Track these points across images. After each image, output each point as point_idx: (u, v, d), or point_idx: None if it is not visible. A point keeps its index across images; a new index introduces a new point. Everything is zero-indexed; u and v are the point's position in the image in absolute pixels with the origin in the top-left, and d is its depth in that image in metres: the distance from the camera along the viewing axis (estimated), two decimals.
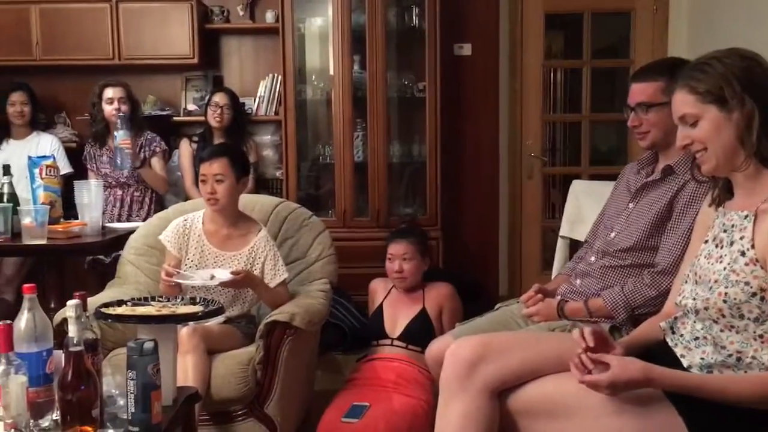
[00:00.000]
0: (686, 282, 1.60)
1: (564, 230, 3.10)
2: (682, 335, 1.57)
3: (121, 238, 3.14)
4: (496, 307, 2.48)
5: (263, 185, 4.29)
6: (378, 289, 3.14)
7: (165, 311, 1.95)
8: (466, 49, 4.50)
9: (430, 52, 4.11)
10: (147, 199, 3.94)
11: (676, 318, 1.60)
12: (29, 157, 3.22)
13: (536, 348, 1.70)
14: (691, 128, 1.55)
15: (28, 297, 1.77)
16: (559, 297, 2.12)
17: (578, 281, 2.13)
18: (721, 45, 3.08)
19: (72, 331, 1.72)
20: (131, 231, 3.14)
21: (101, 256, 3.80)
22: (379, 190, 4.18)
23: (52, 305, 3.31)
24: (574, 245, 3.13)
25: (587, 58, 4.73)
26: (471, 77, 4.52)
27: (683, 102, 1.56)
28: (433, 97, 4.15)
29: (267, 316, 2.55)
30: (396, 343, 2.91)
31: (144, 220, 3.65)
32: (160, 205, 3.96)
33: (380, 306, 3.05)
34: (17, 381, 1.64)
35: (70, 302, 1.73)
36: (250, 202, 2.99)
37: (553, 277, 3.32)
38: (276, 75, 4.32)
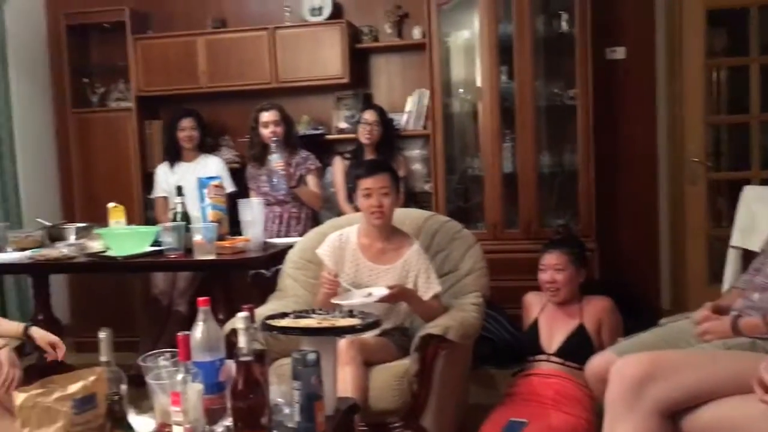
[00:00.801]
0: None
1: (735, 240, 2.88)
2: None
3: (281, 253, 3.29)
4: (660, 322, 2.34)
5: (412, 199, 4.34)
6: (532, 303, 3.07)
7: (325, 324, 2.01)
8: (620, 53, 4.33)
9: (582, 58, 3.99)
10: (303, 216, 4.10)
11: None
12: (199, 178, 3.46)
13: (711, 367, 1.59)
14: None
15: (202, 309, 1.90)
16: (734, 313, 1.96)
17: (756, 295, 1.96)
18: None
19: (242, 342, 1.81)
20: (290, 246, 3.28)
21: (263, 270, 4.01)
22: (530, 201, 4.09)
23: (221, 316, 3.53)
24: (747, 256, 2.90)
25: (755, 54, 4.39)
26: (625, 81, 4.34)
27: None
28: (585, 103, 4.01)
29: (421, 329, 2.57)
30: (553, 359, 2.83)
31: (301, 235, 3.79)
32: (315, 220, 4.11)
33: (535, 321, 2.98)
34: (194, 388, 1.76)
35: (239, 314, 1.83)
36: (401, 215, 3.03)
37: (723, 289, 3.09)
38: (423, 90, 4.37)
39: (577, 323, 2.87)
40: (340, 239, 2.76)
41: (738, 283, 2.21)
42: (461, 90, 4.33)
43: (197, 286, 4.15)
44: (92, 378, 1.37)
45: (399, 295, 2.54)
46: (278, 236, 3.94)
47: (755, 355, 1.65)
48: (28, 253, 3.39)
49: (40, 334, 2.51)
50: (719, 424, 1.50)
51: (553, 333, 2.90)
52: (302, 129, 4.46)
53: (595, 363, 2.08)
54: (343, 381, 2.33)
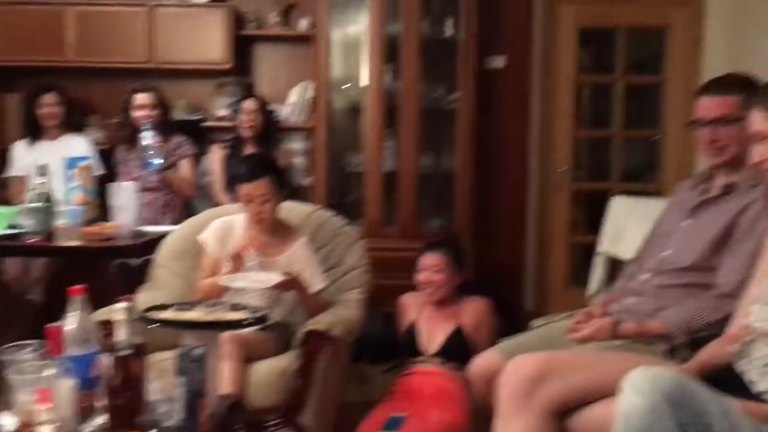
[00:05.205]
0: (755, 303, 1.56)
1: (603, 246, 3.06)
2: (752, 360, 1.52)
3: (153, 242, 3.12)
4: (533, 323, 2.44)
5: (292, 193, 4.25)
6: (410, 303, 3.10)
7: (212, 317, 1.91)
8: (499, 62, 4.47)
9: (464, 64, 4.09)
10: (176, 204, 3.92)
11: (747, 342, 1.55)
12: (67, 158, 3.21)
13: (599, 368, 1.66)
14: (765, 145, 1.52)
15: (76, 299, 1.76)
16: (610, 317, 2.06)
17: (630, 300, 2.08)
18: (754, 63, 3.07)
19: (121, 334, 1.69)
20: (164, 234, 3.12)
21: (130, 260, 3.79)
22: (409, 200, 4.14)
23: None
24: (613, 262, 3.09)
25: (619, 73, 4.70)
26: (503, 89, 4.49)
27: (757, 118, 1.53)
28: (466, 108, 4.12)
29: (304, 324, 2.52)
30: (432, 359, 2.87)
31: (173, 224, 3.63)
32: (188, 209, 3.94)
33: (414, 322, 3.01)
34: (67, 384, 1.62)
35: (119, 305, 1.71)
36: (285, 208, 2.95)
37: (589, 293, 3.28)
38: (308, 83, 4.31)
39: (455, 324, 2.92)
40: (225, 226, 2.66)
41: (614, 289, 2.33)
42: (346, 85, 4.31)
43: (53, 275, 3.86)
44: None
45: (293, 283, 2.48)
46: (147, 224, 3.73)
47: (639, 356, 1.74)
48: None
49: None
50: (604, 422, 1.57)
51: (432, 335, 2.93)
52: (179, 114, 4.26)
53: (481, 363, 2.11)
54: (221, 377, 2.24)
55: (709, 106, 1.96)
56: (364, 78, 4.16)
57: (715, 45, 4.45)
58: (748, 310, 1.57)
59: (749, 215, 1.88)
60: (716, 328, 1.79)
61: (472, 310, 2.96)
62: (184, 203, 3.96)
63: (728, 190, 1.97)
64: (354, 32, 4.29)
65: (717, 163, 2.00)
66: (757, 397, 1.48)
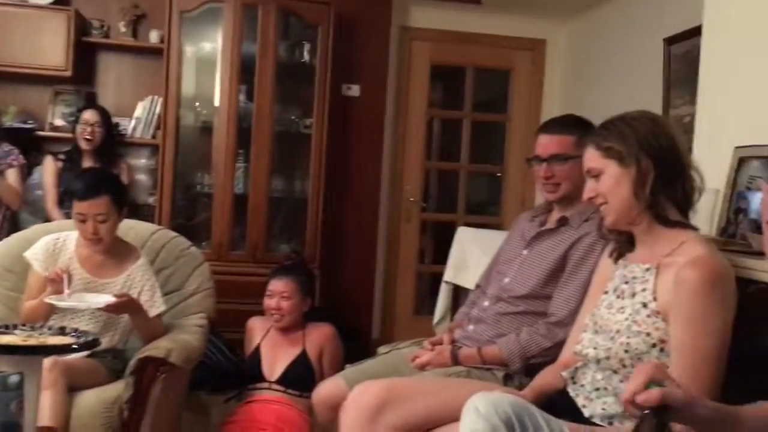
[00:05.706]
0: (585, 331, 1.64)
1: (448, 276, 3.14)
2: (582, 385, 1.60)
3: None
4: (379, 350, 2.44)
5: (133, 211, 4.03)
6: (256, 327, 3.01)
7: (32, 341, 1.74)
8: (354, 90, 4.52)
9: (320, 90, 4.09)
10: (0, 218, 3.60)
11: (576, 368, 1.63)
12: None
13: (441, 395, 1.68)
14: (596, 182, 1.61)
15: None
16: (454, 344, 2.11)
17: (471, 327, 2.13)
18: (588, 107, 3.35)
19: None
20: None
21: None
22: (259, 224, 4.06)
23: None
24: (457, 291, 3.18)
25: (468, 110, 4.91)
26: (357, 118, 4.53)
27: (589, 156, 1.63)
28: (320, 134, 4.11)
29: (139, 351, 2.37)
30: (274, 386, 2.79)
31: None
32: (13, 224, 3.63)
33: (258, 347, 2.92)
34: None
35: None
36: (124, 227, 2.77)
37: (435, 320, 3.36)
38: (156, 97, 4.13)
39: (299, 350, 2.88)
40: (56, 244, 2.45)
41: (457, 316, 2.39)
42: (197, 104, 4.18)
43: None
44: None
45: (127, 305, 2.31)
46: None
47: (479, 382, 1.78)
48: None
49: None
50: None
51: (276, 360, 2.87)
52: (8, 121, 3.93)
53: (324, 390, 2.08)
54: (41, 408, 2.04)
55: (546, 143, 2.07)
56: (217, 97, 4.05)
57: (553, 88, 4.78)
58: (579, 337, 1.66)
59: (581, 248, 1.99)
60: (549, 354, 1.88)
61: (318, 336, 2.92)
62: (10, 217, 3.63)
63: (563, 223, 2.09)
64: (209, 49, 4.18)
65: (551, 199, 2.12)
66: (587, 421, 1.55)
